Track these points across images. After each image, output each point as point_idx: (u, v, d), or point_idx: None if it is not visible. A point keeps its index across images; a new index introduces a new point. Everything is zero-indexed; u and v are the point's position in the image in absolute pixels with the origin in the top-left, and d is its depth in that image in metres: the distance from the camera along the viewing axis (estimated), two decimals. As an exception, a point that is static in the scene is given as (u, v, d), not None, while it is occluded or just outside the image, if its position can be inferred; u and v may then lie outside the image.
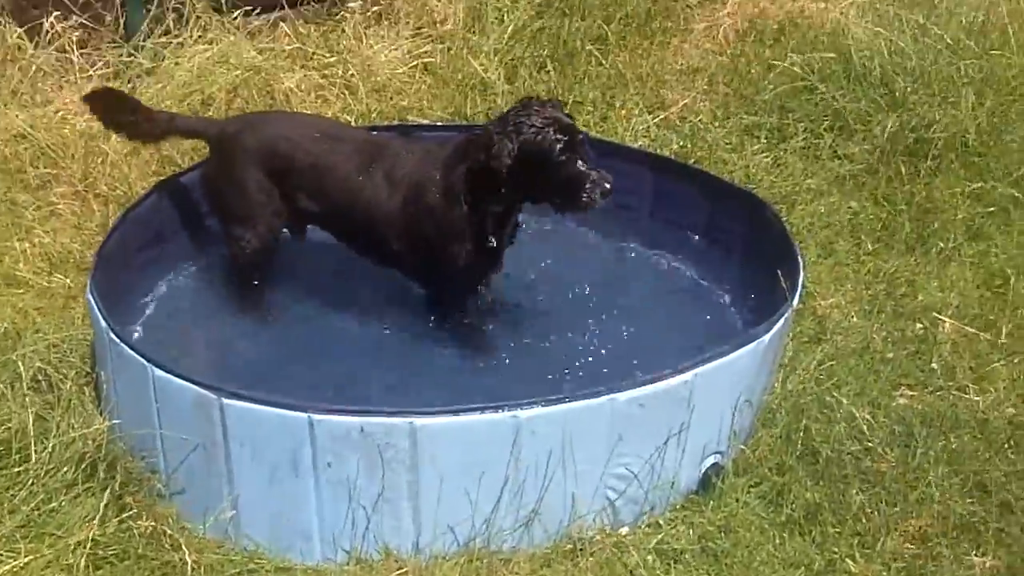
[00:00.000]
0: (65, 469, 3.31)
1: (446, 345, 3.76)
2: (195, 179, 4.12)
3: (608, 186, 3.50)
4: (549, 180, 3.51)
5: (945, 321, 4.11)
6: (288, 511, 3.19)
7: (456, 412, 3.06)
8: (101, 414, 3.46)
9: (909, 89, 5.14)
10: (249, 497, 3.22)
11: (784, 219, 4.19)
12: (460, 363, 3.69)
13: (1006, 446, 3.57)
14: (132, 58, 5.27)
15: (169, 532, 3.21)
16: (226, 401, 3.09)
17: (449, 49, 5.57)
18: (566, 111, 3.70)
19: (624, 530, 3.29)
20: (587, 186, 3.49)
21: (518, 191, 3.57)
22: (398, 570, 3.18)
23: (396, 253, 3.78)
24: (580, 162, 3.50)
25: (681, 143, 5.14)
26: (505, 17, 5.73)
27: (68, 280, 4.27)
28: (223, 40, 5.38)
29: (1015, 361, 3.93)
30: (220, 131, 3.99)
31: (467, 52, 5.55)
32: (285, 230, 4.00)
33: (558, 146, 3.47)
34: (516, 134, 3.49)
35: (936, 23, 5.54)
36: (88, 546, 3.15)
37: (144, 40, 5.32)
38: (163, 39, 5.34)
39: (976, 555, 3.21)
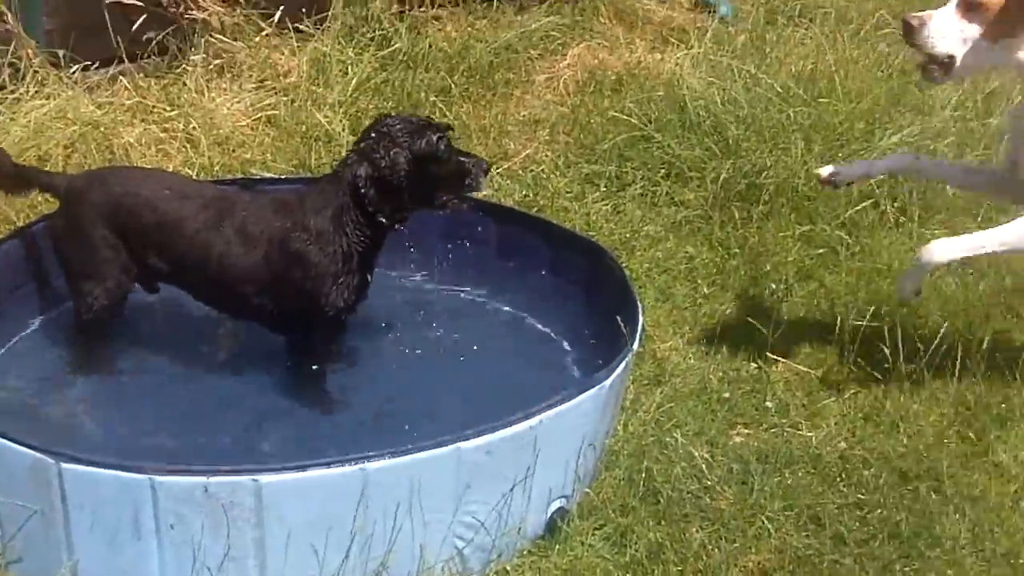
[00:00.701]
0: None
1: (292, 397, 3.76)
2: (38, 232, 4.06)
3: (486, 166, 3.84)
4: (439, 177, 3.76)
5: (778, 360, 4.27)
6: (132, 575, 3.14)
7: (302, 468, 3.05)
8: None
9: (741, 136, 5.34)
10: (90, 563, 3.14)
11: (624, 265, 4.31)
12: (307, 415, 3.69)
13: (838, 479, 3.71)
14: (-35, 112, 5.16)
15: (7, 602, 3.13)
16: (64, 465, 3.02)
17: (293, 102, 5.59)
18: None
19: (473, 578, 3.32)
20: (471, 172, 3.79)
21: (414, 199, 3.75)
22: (246, 629, 3.15)
23: (257, 307, 3.78)
24: (457, 154, 3.82)
25: (524, 192, 5.24)
26: (349, 70, 5.78)
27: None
28: (61, 95, 5.31)
29: (844, 397, 4.09)
30: (68, 185, 3.94)
31: (311, 104, 5.58)
32: (137, 285, 3.95)
33: (442, 144, 3.74)
34: (405, 143, 3.69)
35: (766, 72, 5.79)
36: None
37: (-23, 94, 5.21)
38: (-1, 94, 5.25)
39: (812, 589, 3.33)
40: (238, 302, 3.82)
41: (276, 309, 3.78)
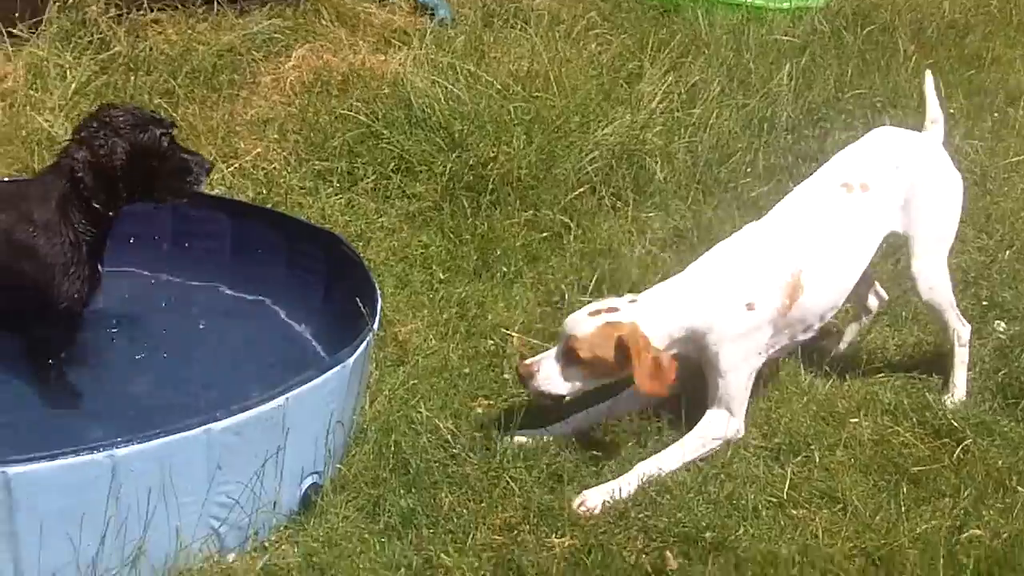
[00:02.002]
0: None
1: (34, 392, 3.70)
2: None
3: (209, 166, 3.89)
4: (158, 171, 3.77)
5: (512, 336, 4.49)
6: None
7: (52, 457, 3.02)
8: None
9: (466, 131, 5.56)
10: None
11: (360, 254, 4.43)
12: (51, 409, 3.64)
13: (573, 439, 3.96)
14: None
15: None
16: None
17: (11, 107, 5.45)
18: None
19: (231, 556, 3.36)
20: (193, 170, 3.83)
21: (130, 189, 3.74)
22: (1, 626, 3.10)
23: None
24: (181, 151, 3.84)
25: (257, 190, 5.29)
26: (68, 74, 5.70)
27: None
28: None
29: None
30: None
31: (30, 109, 5.45)
32: None
33: (165, 140, 3.76)
34: (126, 133, 3.70)
35: (486, 71, 6.03)
36: None
37: None
38: None
39: (556, 537, 3.53)
40: None
41: (7, 305, 3.70)
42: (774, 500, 3.71)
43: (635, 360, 3.70)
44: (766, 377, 4.18)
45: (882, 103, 6.25)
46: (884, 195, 4.13)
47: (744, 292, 3.88)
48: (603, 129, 5.74)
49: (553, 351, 3.85)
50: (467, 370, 4.27)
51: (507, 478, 3.71)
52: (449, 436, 3.86)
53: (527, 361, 3.87)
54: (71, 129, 5.25)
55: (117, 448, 3.08)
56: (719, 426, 3.91)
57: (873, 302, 4.54)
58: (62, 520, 3.06)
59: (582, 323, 3.80)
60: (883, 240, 4.21)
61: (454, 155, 5.44)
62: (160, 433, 3.15)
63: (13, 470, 2.98)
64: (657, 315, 3.82)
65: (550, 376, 3.80)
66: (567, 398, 3.88)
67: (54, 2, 5.87)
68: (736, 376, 3.90)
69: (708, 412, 3.92)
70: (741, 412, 3.94)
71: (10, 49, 5.68)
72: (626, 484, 3.72)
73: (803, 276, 3.95)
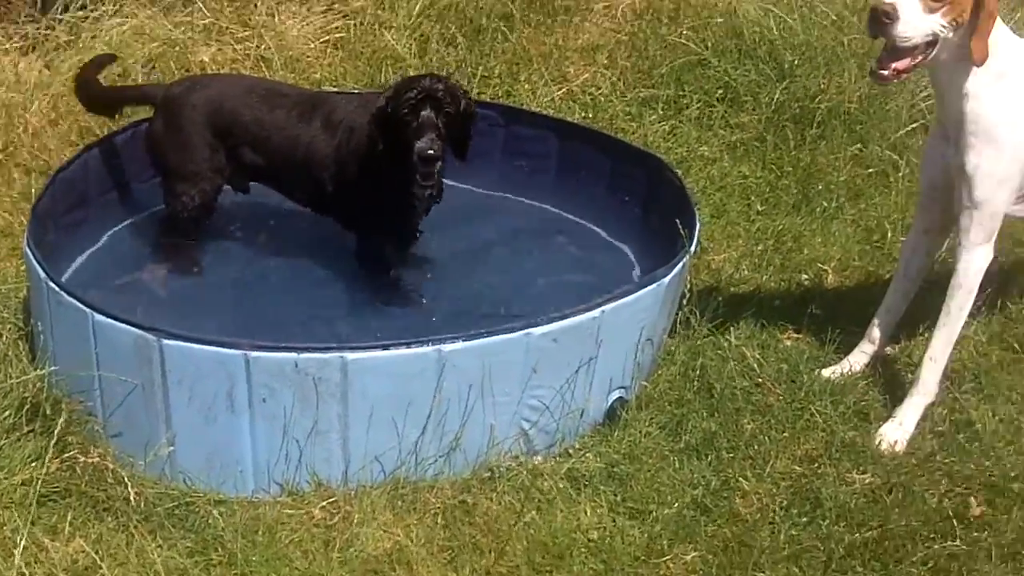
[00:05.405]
0: (6, 414, 3.46)
1: (374, 290, 4.00)
2: (121, 143, 4.30)
3: (430, 151, 3.77)
4: (398, 137, 3.83)
5: (828, 272, 4.45)
6: (224, 446, 3.38)
7: (385, 347, 3.29)
8: (36, 365, 3.60)
9: (796, 62, 5.50)
10: (186, 434, 3.40)
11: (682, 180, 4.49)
12: (386, 305, 3.94)
13: (882, 378, 3.91)
14: (50, 31, 5.40)
15: (111, 467, 3.38)
16: (165, 342, 3.27)
17: (360, 24, 5.78)
18: (459, 85, 4.01)
19: (538, 458, 3.54)
20: (417, 146, 3.77)
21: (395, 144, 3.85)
22: (328, 499, 3.39)
23: (331, 198, 4.03)
24: (423, 128, 3.78)
25: (584, 114, 5.43)
26: (413, -5, 5.96)
27: (-10, 244, 4.41)
28: (138, 15, 5.54)
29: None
30: (166, 93, 4.19)
31: (378, 27, 5.77)
32: (229, 187, 4.21)
33: (404, 109, 3.78)
34: (389, 95, 3.86)
35: (823, 1, 5.90)
36: (33, 484, 3.31)
37: (60, 13, 5.45)
38: (80, 13, 5.47)
39: (856, 473, 3.52)
40: (317, 193, 4.07)
41: (344, 203, 4.03)
42: (1092, 457, 3.56)
43: (988, 8, 3.40)
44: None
45: None
46: None
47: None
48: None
49: None
50: (778, 303, 4.28)
51: (811, 410, 3.72)
52: (756, 365, 3.89)
53: (886, 1, 3.43)
54: (415, 49, 5.62)
55: (444, 344, 3.31)
56: (977, 261, 3.65)
57: None
58: (389, 407, 3.33)
59: None
60: None
61: (782, 86, 5.39)
62: (484, 333, 3.36)
63: (351, 356, 3.26)
64: None
65: (912, 16, 3.37)
66: (905, 63, 3.46)
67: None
68: (992, 192, 3.58)
69: (960, 254, 3.66)
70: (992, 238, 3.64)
71: (361, -30, 6.00)
72: (916, 399, 3.67)
73: None
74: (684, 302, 4.00)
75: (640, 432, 3.65)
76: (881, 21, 3.42)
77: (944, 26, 3.42)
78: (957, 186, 3.63)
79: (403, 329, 3.65)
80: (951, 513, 3.38)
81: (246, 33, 5.66)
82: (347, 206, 4.02)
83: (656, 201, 4.30)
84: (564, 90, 5.58)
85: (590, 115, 5.42)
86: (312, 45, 5.71)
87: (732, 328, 4.08)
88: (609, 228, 4.43)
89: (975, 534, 3.34)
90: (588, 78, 5.68)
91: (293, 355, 3.24)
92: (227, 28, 5.69)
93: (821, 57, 5.48)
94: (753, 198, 4.95)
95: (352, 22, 5.83)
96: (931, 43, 3.45)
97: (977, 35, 3.43)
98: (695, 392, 3.79)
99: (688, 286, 4.14)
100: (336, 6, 5.90)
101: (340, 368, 3.25)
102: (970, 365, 3.97)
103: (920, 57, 3.48)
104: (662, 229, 4.06)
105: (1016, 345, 4.07)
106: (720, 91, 5.49)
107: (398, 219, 4.01)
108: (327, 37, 5.75)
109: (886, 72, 3.50)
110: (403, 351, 3.28)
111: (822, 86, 5.34)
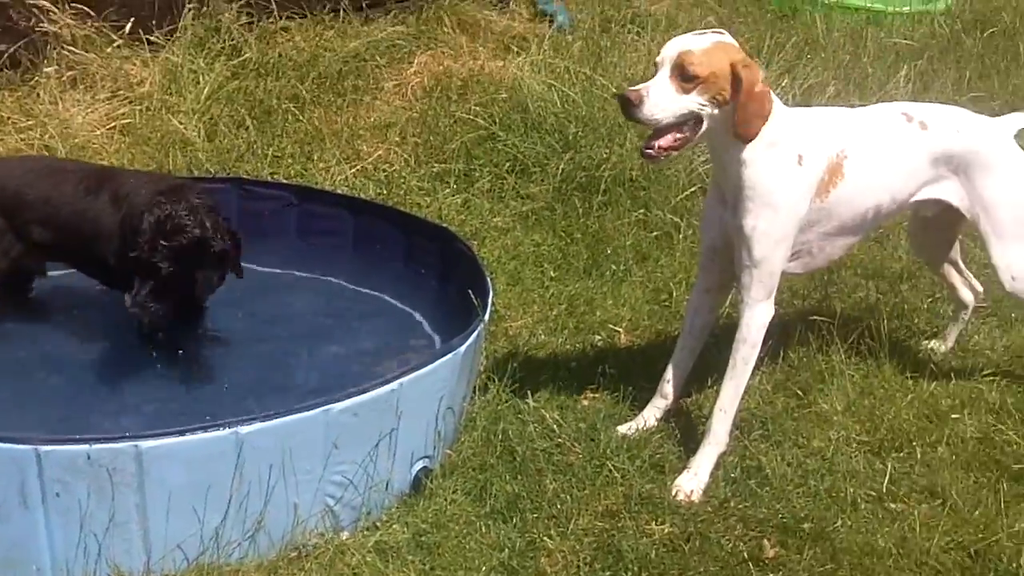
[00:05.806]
0: None
1: (166, 373, 3.96)
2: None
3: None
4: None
5: (620, 332, 4.61)
6: (20, 544, 3.27)
7: (180, 432, 3.24)
8: None
9: (580, 133, 5.72)
10: (-23, 535, 3.28)
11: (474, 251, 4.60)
12: (181, 389, 3.89)
13: (675, 431, 4.06)
14: None
15: None
16: (-51, 441, 3.17)
17: (147, 110, 5.75)
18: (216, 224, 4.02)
19: (344, 534, 3.53)
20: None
21: None
22: (130, 592, 3.32)
23: (116, 272, 4.01)
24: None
25: (378, 190, 5.51)
26: (201, 79, 5.96)
27: None
28: (-85, 107, 5.39)
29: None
30: None
31: (165, 112, 5.75)
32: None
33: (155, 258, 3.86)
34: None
35: (603, 75, 6.17)
36: None
37: None
38: None
39: (655, 524, 3.64)
40: (103, 267, 4.07)
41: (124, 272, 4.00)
42: (873, 494, 3.77)
43: (746, 88, 3.52)
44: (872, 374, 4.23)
45: (1000, 106, 6.19)
46: (937, 142, 3.99)
47: (799, 144, 3.75)
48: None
49: (657, 78, 3.57)
50: (574, 364, 4.40)
51: (610, 467, 3.82)
52: (555, 426, 3.99)
53: (633, 87, 3.61)
54: (204, 133, 5.62)
55: (242, 425, 3.29)
56: (759, 317, 3.81)
57: (967, 295, 4.51)
58: (189, 493, 3.28)
59: (694, 41, 3.59)
60: (921, 187, 4.03)
61: (567, 156, 5.59)
62: (283, 412, 3.35)
63: (145, 444, 3.20)
64: None
65: (660, 99, 3.52)
66: (668, 140, 3.57)
67: (189, 10, 6.16)
68: (771, 251, 3.76)
69: (743, 311, 3.82)
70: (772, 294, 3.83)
71: (147, 55, 5.98)
72: (709, 449, 3.82)
73: (846, 163, 3.84)
74: (482, 369, 4.07)
75: (446, 500, 3.68)
76: (629, 105, 3.56)
77: (703, 104, 3.57)
78: (736, 246, 3.81)
79: (201, 411, 3.61)
80: (747, 556, 3.52)
81: (29, 122, 5.56)
82: (130, 281, 3.99)
83: (451, 272, 4.39)
84: (358, 167, 5.65)
85: (384, 191, 5.51)
86: (98, 132, 5.64)
87: (531, 391, 4.17)
88: (405, 300, 4.48)
89: (770, 575, 3.49)
90: (381, 155, 5.79)
91: (85, 447, 3.17)
92: (8, 118, 5.59)
93: (603, 128, 5.71)
94: (546, 265, 5.09)
95: (138, 107, 5.81)
96: (698, 120, 3.61)
97: (739, 113, 3.56)
98: (498, 456, 3.86)
99: (485, 353, 4.24)
100: (121, 92, 5.86)
101: (135, 457, 3.19)
102: (758, 413, 4.14)
103: (687, 132, 3.62)
104: (458, 299, 4.13)
105: (799, 392, 4.27)
106: (509, 163, 5.66)
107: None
108: (113, 123, 5.71)
109: (651, 151, 3.64)
110: (199, 436, 3.24)
111: (605, 155, 5.56)
